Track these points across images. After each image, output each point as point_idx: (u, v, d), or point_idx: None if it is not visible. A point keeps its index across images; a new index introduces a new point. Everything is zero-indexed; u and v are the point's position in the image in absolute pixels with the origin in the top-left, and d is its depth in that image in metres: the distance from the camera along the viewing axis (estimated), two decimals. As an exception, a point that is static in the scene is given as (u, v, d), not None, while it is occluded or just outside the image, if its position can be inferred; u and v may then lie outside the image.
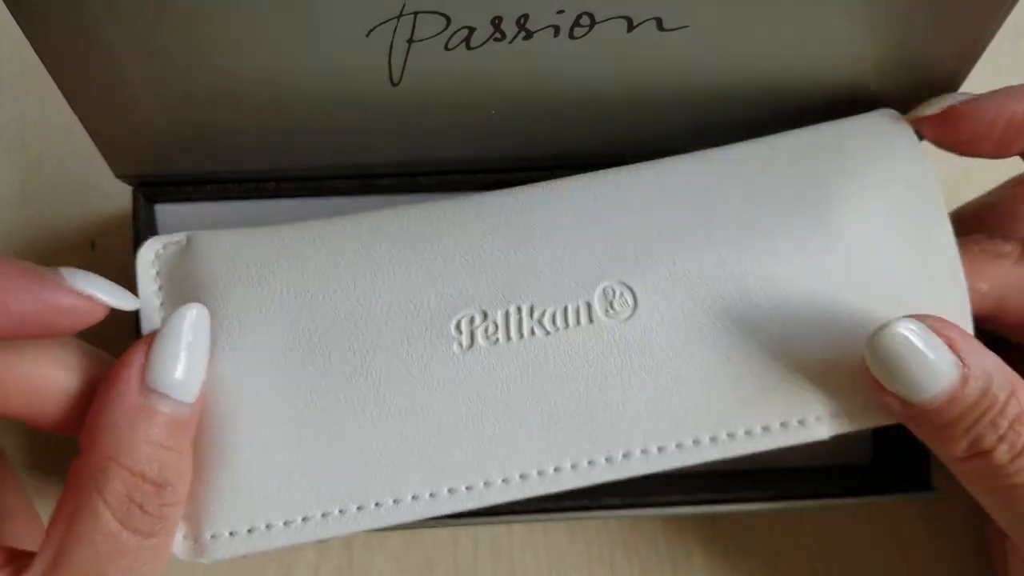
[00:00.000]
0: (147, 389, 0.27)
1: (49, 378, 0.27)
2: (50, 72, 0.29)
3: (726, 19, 0.28)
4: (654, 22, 0.27)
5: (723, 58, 0.29)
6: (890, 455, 0.37)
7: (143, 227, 0.35)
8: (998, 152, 0.31)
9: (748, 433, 0.29)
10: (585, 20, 0.27)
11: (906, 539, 0.39)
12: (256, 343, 0.29)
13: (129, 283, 0.35)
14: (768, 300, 0.29)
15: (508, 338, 0.28)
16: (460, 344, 0.28)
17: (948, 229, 0.30)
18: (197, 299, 0.29)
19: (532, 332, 0.29)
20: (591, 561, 0.38)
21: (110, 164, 0.33)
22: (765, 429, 0.29)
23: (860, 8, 0.28)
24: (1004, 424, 0.27)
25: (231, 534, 0.28)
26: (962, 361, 0.27)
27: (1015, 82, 0.44)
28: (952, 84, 0.32)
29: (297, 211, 0.36)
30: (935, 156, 0.32)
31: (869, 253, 0.29)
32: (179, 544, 0.28)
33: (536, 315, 0.29)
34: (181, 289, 0.30)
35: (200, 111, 0.31)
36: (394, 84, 0.29)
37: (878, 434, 0.38)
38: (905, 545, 0.39)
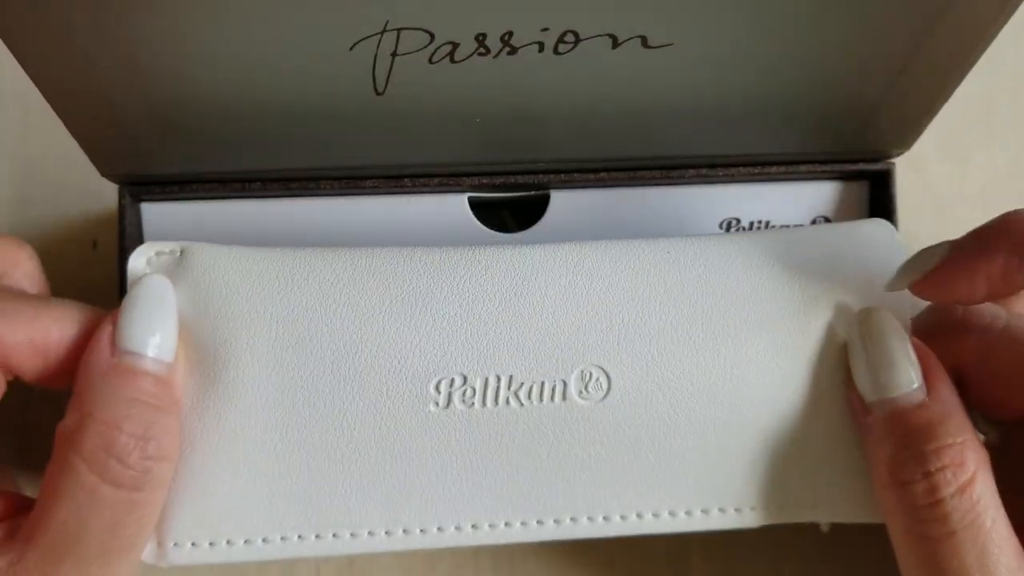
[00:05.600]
0: (118, 349, 0.27)
1: (49, 332, 0.28)
2: (29, 75, 0.29)
3: (711, 37, 0.28)
4: (639, 40, 0.27)
5: (707, 75, 0.29)
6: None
7: (129, 225, 0.35)
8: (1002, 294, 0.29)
9: (688, 513, 0.31)
10: (570, 37, 0.27)
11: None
12: (240, 371, 0.29)
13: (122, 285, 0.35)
14: (734, 401, 0.30)
15: (484, 404, 0.29)
16: (436, 403, 0.29)
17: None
18: (190, 316, 0.29)
19: (507, 402, 0.29)
20: (591, 561, 0.38)
21: (95, 164, 0.33)
22: (704, 512, 0.31)
23: (845, 23, 0.28)
24: (934, 464, 0.27)
25: (193, 545, 0.29)
26: (928, 384, 0.28)
27: (1015, 81, 0.44)
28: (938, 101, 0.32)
29: (282, 211, 0.36)
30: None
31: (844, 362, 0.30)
32: (144, 547, 0.29)
33: (514, 387, 0.29)
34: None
35: (184, 116, 0.31)
36: (378, 93, 0.29)
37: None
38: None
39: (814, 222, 0.37)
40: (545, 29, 0.27)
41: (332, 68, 0.28)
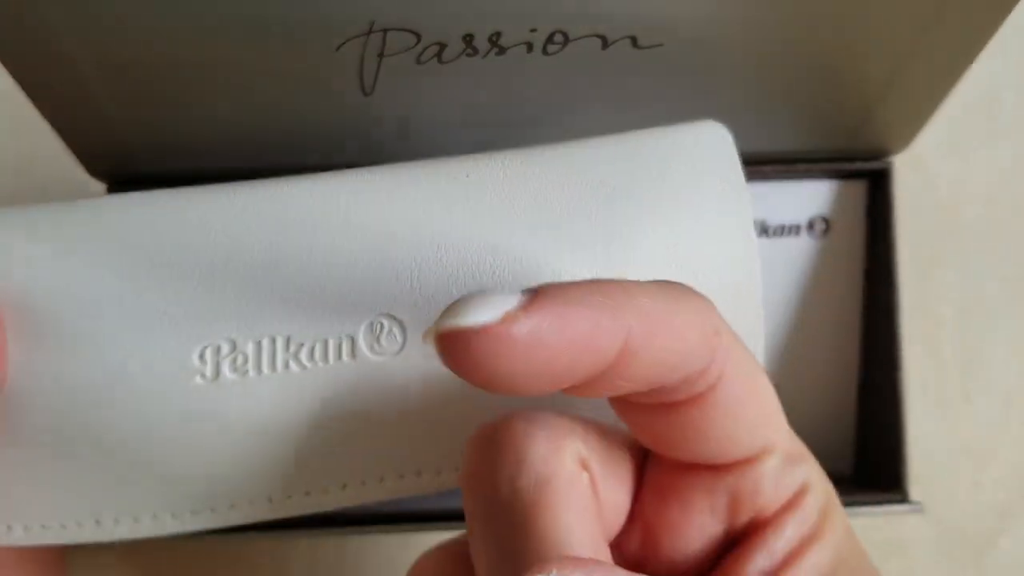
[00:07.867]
0: None
1: None
2: (12, 75, 0.28)
3: (701, 37, 0.27)
4: (629, 40, 0.27)
5: (699, 74, 0.29)
6: (872, 466, 0.37)
7: (117, 225, 0.35)
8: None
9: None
10: (559, 38, 0.26)
11: (897, 547, 0.39)
12: None
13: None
14: None
15: (259, 372, 0.25)
16: (203, 375, 0.25)
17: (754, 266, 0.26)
18: None
19: (287, 365, 0.25)
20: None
21: (81, 163, 0.33)
22: None
23: (842, 20, 0.28)
24: None
25: None
26: None
27: (1018, 77, 0.43)
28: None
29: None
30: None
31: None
32: None
33: (292, 348, 0.25)
34: None
35: (169, 116, 0.30)
36: (366, 94, 0.29)
37: (861, 446, 0.38)
38: (898, 554, 0.39)
39: (811, 222, 0.36)
40: (534, 30, 0.26)
41: (319, 69, 0.28)
